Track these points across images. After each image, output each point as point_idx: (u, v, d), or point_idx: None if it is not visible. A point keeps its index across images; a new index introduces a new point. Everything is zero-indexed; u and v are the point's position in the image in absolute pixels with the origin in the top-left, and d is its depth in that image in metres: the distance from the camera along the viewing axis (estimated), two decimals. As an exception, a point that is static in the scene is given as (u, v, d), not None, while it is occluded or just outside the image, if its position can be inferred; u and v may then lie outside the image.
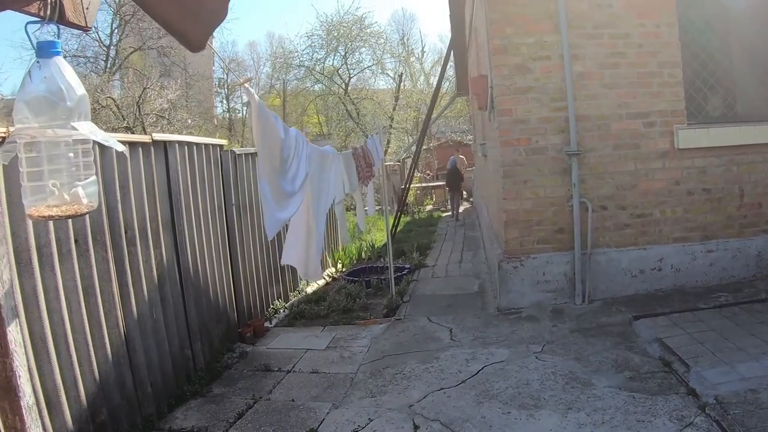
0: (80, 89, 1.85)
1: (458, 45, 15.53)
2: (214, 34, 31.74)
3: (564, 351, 5.42)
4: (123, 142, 4.76)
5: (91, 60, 25.46)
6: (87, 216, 4.31)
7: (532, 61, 6.65)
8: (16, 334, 1.85)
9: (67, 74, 1.83)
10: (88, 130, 1.83)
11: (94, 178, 1.93)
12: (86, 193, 1.87)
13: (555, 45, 6.60)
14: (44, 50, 1.81)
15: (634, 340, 5.47)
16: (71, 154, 1.84)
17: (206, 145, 6.56)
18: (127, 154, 4.82)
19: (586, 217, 6.65)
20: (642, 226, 6.79)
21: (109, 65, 25.31)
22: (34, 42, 1.82)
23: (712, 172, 6.76)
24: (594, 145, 6.68)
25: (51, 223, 3.96)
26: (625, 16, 6.61)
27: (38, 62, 1.80)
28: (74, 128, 1.79)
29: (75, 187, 1.85)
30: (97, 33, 25.17)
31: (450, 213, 19.74)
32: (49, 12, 1.86)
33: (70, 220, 4.13)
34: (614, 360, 5.06)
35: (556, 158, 6.72)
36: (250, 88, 3.94)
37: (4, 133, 3.48)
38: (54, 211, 1.84)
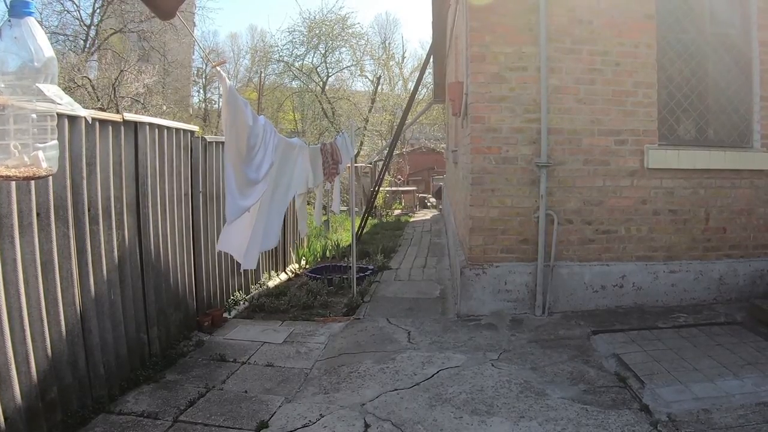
0: (49, 51, 1.85)
1: (438, 52, 15.62)
2: (195, 21, 31.49)
3: (520, 360, 5.43)
4: (93, 119, 4.70)
5: (71, 39, 25.27)
6: (51, 190, 4.29)
7: (509, 71, 6.68)
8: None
9: (38, 35, 1.83)
10: (53, 93, 1.82)
11: (55, 142, 1.92)
12: (46, 157, 1.86)
13: (533, 57, 6.64)
14: (17, 9, 1.81)
15: (591, 354, 5.51)
16: (34, 116, 1.83)
17: (177, 129, 6.47)
18: (90, 121, 4.73)
19: (552, 229, 6.70)
20: (606, 242, 6.85)
21: (88, 45, 25.02)
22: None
23: (680, 194, 6.86)
24: (564, 159, 6.73)
25: (14, 194, 3.90)
26: (605, 33, 6.67)
27: (10, 21, 1.80)
28: (39, 89, 1.77)
29: (36, 150, 1.83)
30: (79, 12, 24.96)
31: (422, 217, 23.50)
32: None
33: (33, 193, 4.08)
34: (570, 372, 5.08)
35: (525, 169, 6.75)
36: (222, 72, 3.88)
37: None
38: (12, 172, 1.83)
